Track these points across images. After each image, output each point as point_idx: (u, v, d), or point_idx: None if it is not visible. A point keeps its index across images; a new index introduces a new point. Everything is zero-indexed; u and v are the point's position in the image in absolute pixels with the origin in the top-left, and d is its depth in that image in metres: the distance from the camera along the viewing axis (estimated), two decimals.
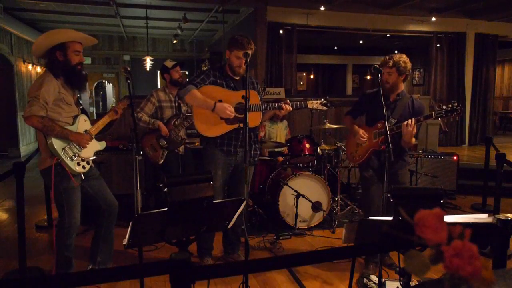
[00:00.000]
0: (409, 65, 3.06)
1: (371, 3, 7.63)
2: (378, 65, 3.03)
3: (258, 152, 3.40)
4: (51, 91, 2.63)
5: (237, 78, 3.22)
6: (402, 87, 3.17)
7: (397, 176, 3.12)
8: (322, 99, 3.16)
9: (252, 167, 3.42)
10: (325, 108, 3.16)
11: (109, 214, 2.97)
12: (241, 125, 3.04)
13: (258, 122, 3.19)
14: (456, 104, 2.91)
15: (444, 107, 2.93)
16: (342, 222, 4.33)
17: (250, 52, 3.05)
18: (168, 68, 4.24)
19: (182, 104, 4.23)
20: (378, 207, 3.13)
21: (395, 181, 3.00)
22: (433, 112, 2.94)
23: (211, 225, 2.14)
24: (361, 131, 3.18)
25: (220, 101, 3.08)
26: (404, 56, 3.08)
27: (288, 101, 3.12)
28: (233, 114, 3.04)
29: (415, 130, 2.96)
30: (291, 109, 3.12)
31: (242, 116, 3.08)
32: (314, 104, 3.15)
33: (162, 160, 4.15)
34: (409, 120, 2.92)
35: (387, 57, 3.08)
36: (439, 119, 3.11)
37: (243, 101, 3.05)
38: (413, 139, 3.06)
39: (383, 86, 3.06)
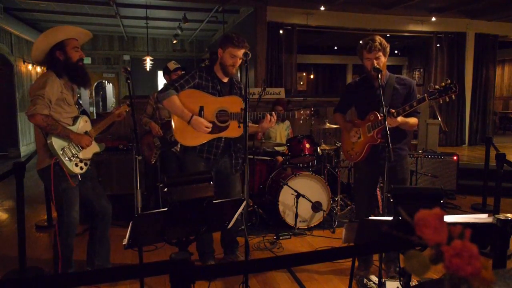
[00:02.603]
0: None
1: (371, 3, 7.63)
2: (360, 47, 2.87)
3: (240, 161, 3.23)
4: (54, 90, 2.63)
5: (225, 80, 3.09)
6: (385, 69, 2.96)
7: (395, 173, 2.89)
8: (311, 109, 3.04)
9: (237, 175, 3.27)
10: (311, 118, 3.04)
11: (103, 216, 2.97)
12: (241, 125, 2.96)
13: (240, 132, 2.99)
14: (449, 81, 2.68)
15: (437, 87, 2.71)
16: (342, 222, 4.33)
17: (244, 50, 2.95)
18: (170, 71, 4.28)
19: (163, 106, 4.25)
20: (367, 207, 3.10)
21: (393, 178, 2.79)
22: (426, 95, 2.73)
23: (211, 225, 2.14)
24: (354, 130, 3.02)
25: (201, 107, 2.93)
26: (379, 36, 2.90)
27: (274, 113, 2.97)
28: (209, 130, 2.91)
29: (398, 120, 2.76)
30: (275, 120, 2.97)
31: (223, 125, 2.99)
32: (302, 114, 3.04)
33: (155, 160, 4.22)
34: (394, 116, 2.75)
35: (369, 42, 2.84)
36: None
37: (225, 108, 2.99)
38: (412, 120, 2.87)
39: (370, 74, 2.87)
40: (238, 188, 3.34)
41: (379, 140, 2.89)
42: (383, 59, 2.86)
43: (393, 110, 2.79)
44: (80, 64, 2.76)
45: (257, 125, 3.06)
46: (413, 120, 2.90)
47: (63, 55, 2.70)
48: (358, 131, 3.01)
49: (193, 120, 2.88)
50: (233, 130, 3.01)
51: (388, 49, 2.88)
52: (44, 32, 2.75)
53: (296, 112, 3.04)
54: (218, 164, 3.13)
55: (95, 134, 2.89)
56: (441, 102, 2.78)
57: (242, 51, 2.95)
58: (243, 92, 3.17)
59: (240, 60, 3.00)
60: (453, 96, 2.70)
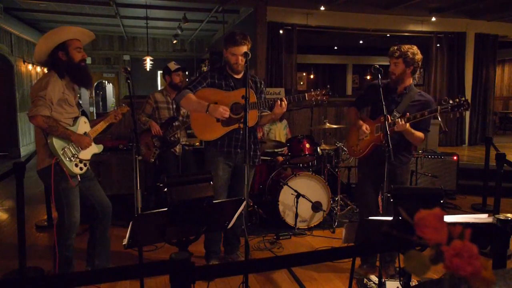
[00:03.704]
0: (418, 57, 2.94)
1: (371, 3, 7.63)
2: (390, 51, 2.97)
3: (259, 153, 3.33)
4: (56, 91, 2.63)
5: (238, 76, 3.14)
6: (411, 80, 3.04)
7: (395, 176, 2.98)
8: (324, 90, 2.98)
9: (253, 169, 3.36)
10: (326, 97, 2.95)
11: (103, 215, 2.97)
12: (241, 125, 3.00)
13: (255, 121, 3.12)
14: (463, 98, 2.79)
15: (450, 101, 2.82)
16: (342, 222, 4.33)
17: (246, 47, 2.97)
18: (170, 71, 4.27)
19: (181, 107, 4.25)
20: (371, 207, 3.13)
21: (393, 181, 2.84)
22: (439, 107, 2.83)
23: (211, 225, 2.14)
24: (364, 126, 3.07)
25: (216, 103, 3.01)
26: (414, 47, 2.95)
27: (284, 98, 2.96)
28: (227, 113, 2.97)
29: (406, 126, 2.84)
30: (285, 104, 2.94)
31: (237, 116, 3.05)
32: (313, 95, 2.97)
33: (153, 159, 4.21)
34: (400, 120, 2.82)
35: (395, 47, 2.95)
36: (440, 118, 3.02)
37: (238, 101, 3.04)
38: (419, 134, 2.93)
39: (389, 77, 3.01)
40: (250, 183, 3.40)
41: (384, 142, 2.93)
42: (401, 66, 2.95)
43: (407, 115, 2.87)
44: (83, 65, 2.76)
45: (271, 112, 3.10)
46: (418, 133, 2.94)
47: (65, 55, 2.70)
48: (368, 129, 3.07)
49: (210, 107, 2.96)
50: (248, 120, 3.03)
51: (412, 60, 2.93)
52: (47, 33, 2.75)
53: (306, 94, 3.00)
54: (237, 157, 3.19)
55: (94, 135, 2.89)
56: (451, 117, 2.89)
57: (242, 48, 2.98)
58: (258, 84, 3.23)
59: (243, 57, 3.02)
60: (464, 112, 2.80)
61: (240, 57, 3.01)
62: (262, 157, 4.72)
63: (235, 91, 3.09)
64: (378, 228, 1.93)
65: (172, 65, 4.30)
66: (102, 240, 3.01)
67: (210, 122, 3.06)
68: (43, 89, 2.58)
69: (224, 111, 2.95)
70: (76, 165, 2.76)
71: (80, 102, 3.01)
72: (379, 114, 3.02)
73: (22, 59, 9.05)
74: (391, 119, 2.91)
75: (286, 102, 2.95)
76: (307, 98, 2.99)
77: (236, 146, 3.16)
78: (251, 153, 3.22)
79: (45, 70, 2.81)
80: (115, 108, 3.14)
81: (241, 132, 3.10)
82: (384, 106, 2.73)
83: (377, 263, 3.13)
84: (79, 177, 2.81)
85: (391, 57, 2.97)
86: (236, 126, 3.09)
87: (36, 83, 2.74)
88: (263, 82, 3.31)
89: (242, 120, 2.99)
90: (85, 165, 2.83)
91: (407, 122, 2.84)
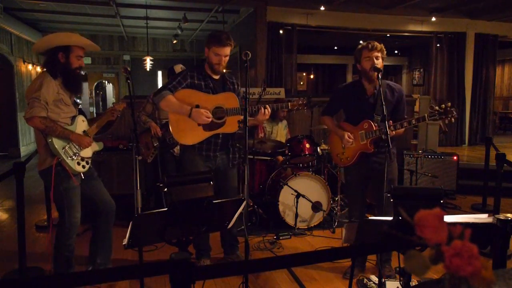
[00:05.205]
0: None
1: (371, 3, 7.63)
2: (361, 47, 2.89)
3: (237, 156, 3.26)
4: (50, 91, 2.64)
5: (216, 77, 3.08)
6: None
7: (384, 173, 2.73)
8: (304, 99, 2.99)
9: (234, 169, 3.28)
10: (305, 107, 2.99)
11: (106, 215, 2.97)
12: (241, 125, 2.98)
13: (237, 127, 3.04)
14: (449, 104, 2.74)
15: (437, 108, 2.77)
16: (342, 222, 4.33)
17: (230, 49, 2.95)
18: (175, 73, 4.23)
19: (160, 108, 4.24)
20: (360, 211, 3.12)
21: (382, 178, 2.66)
22: (426, 115, 2.80)
23: (211, 225, 2.14)
24: (347, 134, 2.97)
25: (197, 106, 2.93)
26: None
27: (268, 106, 2.97)
28: (210, 119, 2.92)
29: (393, 134, 2.80)
30: (269, 112, 2.96)
31: (220, 121, 3.00)
32: (295, 104, 3.00)
33: (151, 159, 4.21)
34: (391, 130, 2.74)
35: (370, 42, 2.87)
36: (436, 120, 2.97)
37: (221, 105, 3.00)
38: (401, 130, 2.90)
39: (367, 74, 2.87)
40: (235, 184, 3.34)
41: (372, 149, 2.93)
42: (381, 62, 2.87)
43: (392, 123, 2.81)
44: (77, 72, 2.78)
45: (253, 118, 3.04)
46: (401, 131, 2.93)
47: (64, 58, 2.71)
48: (351, 136, 2.99)
49: (193, 112, 2.89)
50: (230, 126, 3.02)
51: (385, 55, 2.91)
52: (57, 33, 2.80)
53: (289, 104, 3.02)
54: (217, 160, 3.15)
55: (93, 134, 2.89)
56: (441, 124, 2.84)
57: (226, 49, 2.95)
58: (236, 86, 3.18)
59: (226, 58, 2.99)
60: (452, 119, 2.76)
61: (223, 58, 2.97)
62: (262, 157, 4.74)
63: (217, 94, 3.03)
64: (378, 228, 1.93)
65: (178, 68, 4.25)
66: (104, 239, 3.01)
67: (191, 126, 2.96)
68: (37, 90, 2.59)
69: (207, 118, 2.90)
70: (79, 163, 2.76)
71: (79, 101, 3.03)
72: (359, 119, 2.98)
73: (22, 59, 9.05)
74: (374, 126, 2.89)
75: (269, 110, 2.97)
76: (290, 107, 3.01)
77: (215, 150, 3.09)
78: (230, 156, 3.18)
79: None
80: (112, 105, 3.15)
81: (221, 136, 3.07)
82: (384, 107, 2.66)
83: (372, 263, 3.13)
84: (82, 175, 2.81)
85: (373, 50, 2.82)
86: (218, 130, 3.02)
87: (30, 85, 2.74)
88: (239, 83, 3.25)
89: (236, 123, 2.97)
90: (87, 163, 2.84)
91: (394, 130, 2.81)
